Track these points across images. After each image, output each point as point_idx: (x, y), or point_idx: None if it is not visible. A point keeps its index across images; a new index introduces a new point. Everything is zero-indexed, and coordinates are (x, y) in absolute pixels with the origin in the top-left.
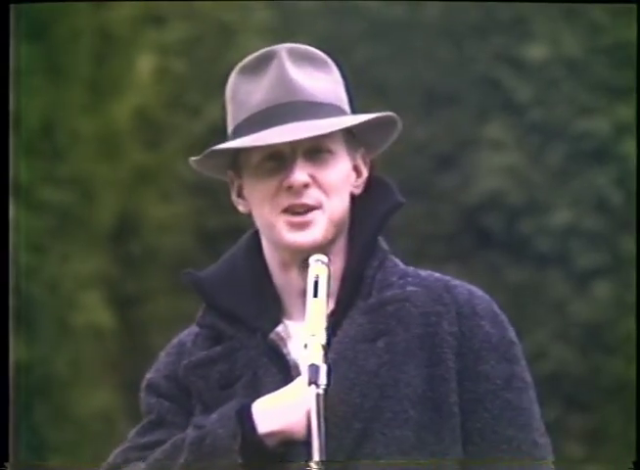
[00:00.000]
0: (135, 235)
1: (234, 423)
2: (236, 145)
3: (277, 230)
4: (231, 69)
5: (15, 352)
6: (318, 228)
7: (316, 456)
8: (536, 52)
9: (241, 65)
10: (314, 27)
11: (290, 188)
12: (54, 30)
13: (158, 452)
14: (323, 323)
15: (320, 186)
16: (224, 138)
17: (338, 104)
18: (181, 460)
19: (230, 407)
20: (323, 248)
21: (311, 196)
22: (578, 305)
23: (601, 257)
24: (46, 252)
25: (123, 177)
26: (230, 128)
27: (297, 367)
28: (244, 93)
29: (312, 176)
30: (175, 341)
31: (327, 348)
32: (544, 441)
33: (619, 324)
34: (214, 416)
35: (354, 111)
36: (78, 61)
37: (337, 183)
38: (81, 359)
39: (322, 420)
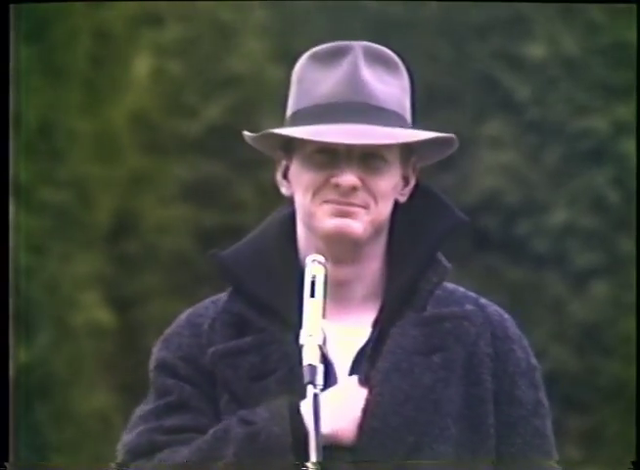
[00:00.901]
0: (133, 236)
1: (287, 422)
2: (296, 134)
3: (317, 217)
4: (229, 69)
5: (14, 352)
6: (360, 222)
7: (313, 457)
8: (535, 51)
9: (314, 51)
10: (312, 26)
11: (337, 186)
12: (51, 31)
13: (200, 442)
14: (320, 323)
15: (369, 191)
16: (224, 139)
17: (401, 112)
18: (228, 453)
19: (281, 405)
20: (359, 245)
21: (359, 198)
22: (576, 306)
23: (599, 256)
24: (45, 252)
25: (121, 178)
26: (290, 111)
27: (333, 369)
28: (311, 80)
29: (362, 180)
30: (184, 319)
31: (322, 348)
32: (557, 467)
33: (618, 324)
34: (264, 413)
35: (414, 120)
36: (76, 61)
37: (386, 191)
38: (80, 360)
39: (320, 420)
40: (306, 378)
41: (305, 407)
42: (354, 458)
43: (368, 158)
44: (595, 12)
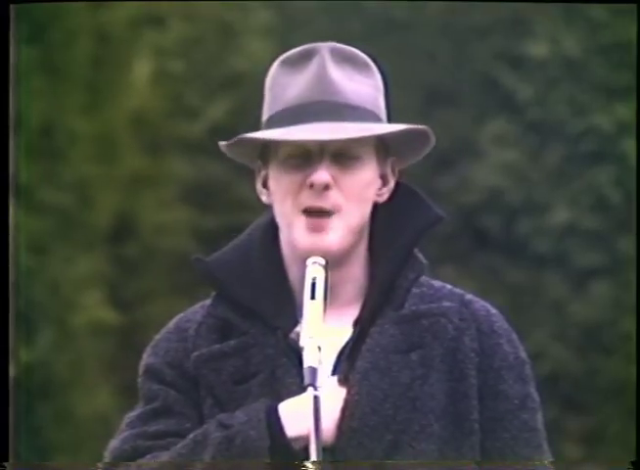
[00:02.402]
0: (134, 237)
1: (264, 425)
2: (263, 136)
3: (294, 230)
4: (231, 69)
5: (16, 353)
6: (335, 235)
7: (314, 457)
8: (536, 51)
9: (283, 57)
10: (313, 27)
11: (311, 186)
12: (52, 32)
13: (179, 446)
14: (320, 325)
15: (342, 190)
16: (225, 140)
17: (373, 110)
18: (206, 457)
19: (258, 408)
20: (338, 255)
21: (331, 198)
22: (577, 306)
23: (599, 257)
24: (46, 253)
25: (122, 179)
26: (264, 118)
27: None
28: (281, 85)
29: (335, 179)
30: (172, 326)
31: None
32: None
33: (618, 324)
34: (242, 416)
35: (390, 120)
36: (77, 62)
37: (359, 189)
38: (81, 361)
39: (320, 422)
40: (307, 380)
41: (284, 410)
42: (334, 458)
43: (341, 156)
44: (596, 12)
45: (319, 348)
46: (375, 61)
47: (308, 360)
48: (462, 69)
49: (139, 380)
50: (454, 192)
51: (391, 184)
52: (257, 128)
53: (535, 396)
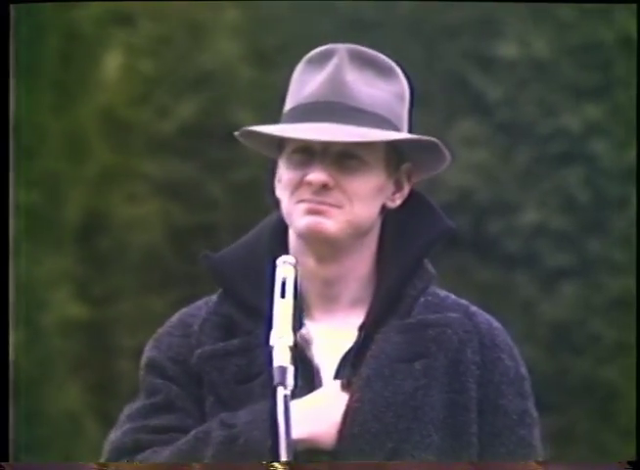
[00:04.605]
0: (103, 234)
1: (267, 426)
2: (260, 129)
3: (294, 217)
4: (201, 68)
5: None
6: (333, 221)
7: (283, 457)
8: (505, 52)
9: (307, 56)
10: (284, 26)
11: (309, 185)
12: (19, 30)
13: (181, 442)
14: (290, 324)
15: (344, 191)
16: (195, 138)
17: (385, 115)
18: (207, 455)
19: (262, 409)
20: (338, 243)
21: (332, 197)
22: (546, 306)
23: (568, 257)
24: (15, 252)
25: (91, 176)
26: (283, 113)
27: (319, 372)
28: (299, 83)
29: (335, 179)
30: (176, 320)
31: (294, 349)
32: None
33: (587, 324)
34: (246, 416)
35: (411, 127)
36: (45, 60)
37: (362, 191)
38: (51, 359)
39: (290, 421)
40: (276, 379)
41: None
42: (334, 459)
43: (343, 157)
44: (565, 13)
45: (290, 347)
46: (402, 68)
47: (278, 360)
48: (431, 69)
49: (140, 373)
50: (424, 192)
51: (405, 191)
52: (229, 126)
53: (533, 412)
